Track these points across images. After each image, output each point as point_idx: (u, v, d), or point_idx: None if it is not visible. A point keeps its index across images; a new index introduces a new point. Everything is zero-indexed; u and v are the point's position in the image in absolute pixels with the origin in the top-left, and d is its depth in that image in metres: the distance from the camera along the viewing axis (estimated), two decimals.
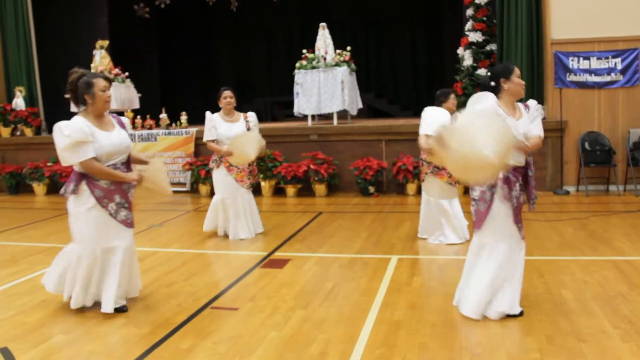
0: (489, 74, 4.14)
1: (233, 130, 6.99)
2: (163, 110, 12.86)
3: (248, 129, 7.11)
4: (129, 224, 4.62)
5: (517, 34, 10.20)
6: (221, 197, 7.16)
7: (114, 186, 4.50)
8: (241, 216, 7.17)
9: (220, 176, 7.15)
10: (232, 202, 7.13)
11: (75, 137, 4.28)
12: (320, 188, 10.51)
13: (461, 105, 11.28)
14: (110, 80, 4.58)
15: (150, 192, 4.77)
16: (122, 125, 4.71)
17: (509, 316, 4.14)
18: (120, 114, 12.93)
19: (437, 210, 6.59)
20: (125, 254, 4.61)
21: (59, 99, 12.81)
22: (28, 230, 8.33)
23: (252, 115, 7.33)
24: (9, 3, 13.17)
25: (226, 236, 7.30)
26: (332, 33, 11.73)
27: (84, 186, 4.45)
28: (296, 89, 11.32)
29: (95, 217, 4.49)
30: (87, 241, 4.52)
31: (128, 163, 4.66)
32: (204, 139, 7.14)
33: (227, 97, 7.11)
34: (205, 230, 7.45)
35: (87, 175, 4.43)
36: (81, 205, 4.50)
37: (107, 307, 4.54)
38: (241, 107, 18.94)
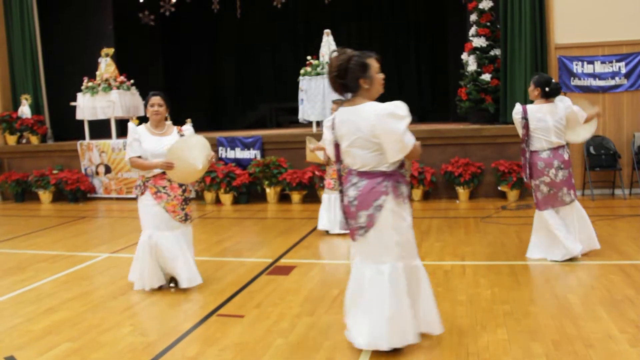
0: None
1: (163, 145, 5.42)
2: (168, 117, 12.88)
3: None
4: None
5: (521, 39, 10.19)
6: (149, 234, 5.42)
7: None
8: (179, 256, 5.40)
9: (145, 206, 5.46)
10: (164, 240, 5.39)
11: (410, 118, 3.62)
12: None
13: (467, 110, 11.32)
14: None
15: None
16: None
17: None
18: (126, 121, 13.00)
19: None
20: None
21: (64, 107, 12.87)
22: (34, 238, 8.35)
23: (188, 129, 5.79)
24: (15, 11, 13.25)
25: (171, 286, 5.52)
26: (336, 39, 11.73)
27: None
28: (301, 95, 11.34)
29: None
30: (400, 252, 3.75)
31: None
32: (126, 157, 5.47)
33: (154, 104, 5.54)
34: (132, 280, 5.61)
35: (396, 175, 3.72)
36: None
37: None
38: (245, 113, 18.93)
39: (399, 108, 3.57)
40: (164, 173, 5.41)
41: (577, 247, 5.75)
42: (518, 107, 5.90)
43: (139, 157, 5.40)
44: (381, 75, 3.72)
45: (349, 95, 3.70)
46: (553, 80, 5.81)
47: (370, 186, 3.66)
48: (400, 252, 3.71)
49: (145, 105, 5.64)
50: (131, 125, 5.57)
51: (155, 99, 5.57)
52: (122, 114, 12.24)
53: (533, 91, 5.85)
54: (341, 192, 3.86)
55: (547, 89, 5.76)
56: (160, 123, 5.61)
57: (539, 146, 5.77)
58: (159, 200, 5.40)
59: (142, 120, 12.89)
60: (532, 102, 5.93)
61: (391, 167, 3.68)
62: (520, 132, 5.89)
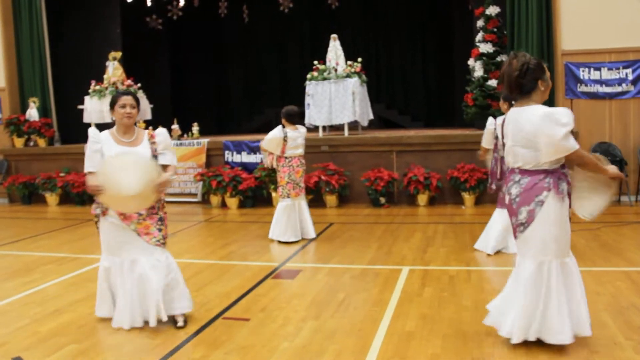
0: None
1: None
2: (175, 121, 12.94)
3: (155, 157, 4.57)
4: None
5: (528, 45, 10.20)
6: (109, 264, 4.57)
7: None
8: (148, 294, 4.47)
9: (111, 228, 4.52)
10: (128, 268, 4.51)
11: (572, 126, 3.67)
12: (331, 199, 10.52)
13: (473, 116, 11.34)
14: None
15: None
16: None
17: None
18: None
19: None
20: None
21: (72, 110, 12.94)
22: (41, 240, 8.39)
23: (161, 134, 4.73)
24: (24, 15, 13.33)
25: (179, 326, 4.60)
26: (343, 44, 11.77)
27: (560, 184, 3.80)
28: (307, 100, 11.35)
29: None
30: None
31: None
32: (85, 170, 4.48)
33: (125, 104, 4.51)
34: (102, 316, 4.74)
35: (558, 172, 3.80)
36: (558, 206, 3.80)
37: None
38: (252, 117, 19.01)
39: (563, 115, 3.66)
40: None
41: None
42: (492, 120, 6.50)
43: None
44: (550, 83, 3.89)
45: (520, 96, 3.86)
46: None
47: (533, 182, 3.79)
48: (557, 249, 3.80)
49: (112, 106, 4.56)
50: (92, 131, 4.55)
51: (128, 99, 4.53)
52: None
53: (503, 105, 6.37)
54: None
55: (513, 102, 6.27)
56: (130, 129, 4.59)
57: None
58: (128, 222, 4.47)
59: (148, 123, 12.97)
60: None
61: (554, 165, 3.79)
62: (492, 141, 6.44)
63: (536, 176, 3.79)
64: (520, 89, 3.82)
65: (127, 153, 4.44)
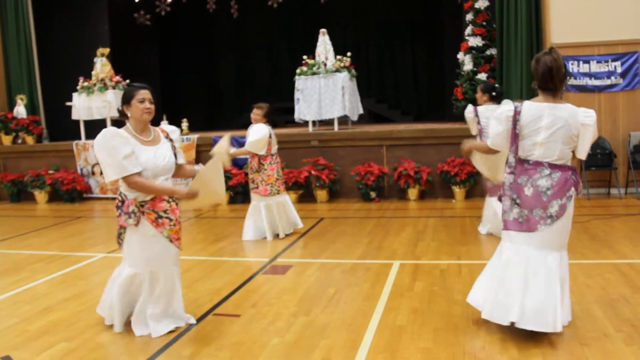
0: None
1: (159, 157, 4.20)
2: (164, 117, 12.88)
3: (175, 155, 4.39)
4: None
5: (517, 38, 10.22)
6: (150, 270, 4.25)
7: None
8: (177, 292, 4.41)
9: (143, 238, 4.21)
10: (164, 275, 4.30)
11: None
12: (321, 194, 10.52)
13: (463, 110, 11.35)
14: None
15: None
16: None
17: None
18: (122, 123, 12.97)
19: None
20: None
21: (60, 107, 12.85)
22: (30, 239, 8.34)
23: (174, 131, 4.54)
24: (10, 11, 13.23)
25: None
26: (332, 39, 11.75)
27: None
28: (297, 95, 11.34)
29: None
30: None
31: None
32: (114, 176, 4.04)
33: (144, 99, 4.21)
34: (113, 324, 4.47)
35: (577, 170, 4.07)
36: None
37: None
38: (241, 113, 19.00)
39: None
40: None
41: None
42: (469, 107, 6.79)
43: (140, 173, 4.07)
44: None
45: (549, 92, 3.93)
46: (497, 86, 6.92)
47: (564, 177, 3.89)
48: (567, 241, 4.01)
49: (128, 102, 4.21)
50: (113, 130, 4.14)
51: (146, 93, 4.21)
52: (118, 114, 12.20)
53: (482, 97, 6.77)
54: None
55: (493, 93, 6.71)
56: (147, 126, 4.27)
57: None
58: (161, 229, 4.21)
59: None
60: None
61: (573, 163, 3.99)
62: (475, 129, 6.72)
63: (566, 172, 3.90)
64: (561, 84, 3.93)
65: (213, 160, 4.28)
